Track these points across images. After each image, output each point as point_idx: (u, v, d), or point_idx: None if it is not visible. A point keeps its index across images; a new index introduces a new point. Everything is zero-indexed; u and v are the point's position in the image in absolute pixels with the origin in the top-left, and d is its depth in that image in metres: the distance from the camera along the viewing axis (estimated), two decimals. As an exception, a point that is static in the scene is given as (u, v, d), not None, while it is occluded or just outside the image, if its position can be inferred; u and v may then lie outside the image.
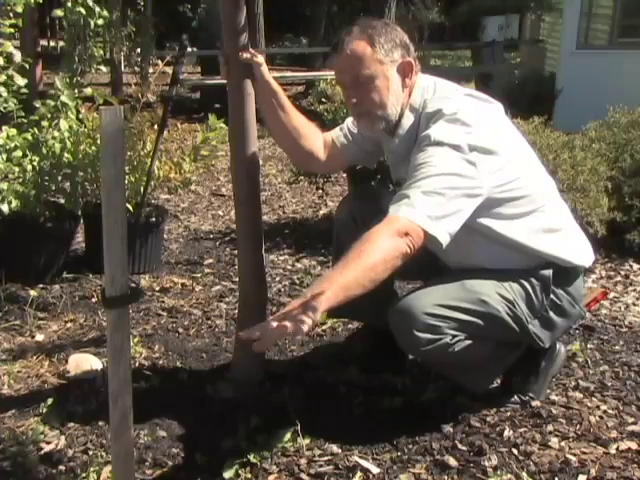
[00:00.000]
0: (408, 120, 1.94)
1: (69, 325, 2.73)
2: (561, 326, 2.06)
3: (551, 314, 2.00)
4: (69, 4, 3.02)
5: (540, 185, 2.00)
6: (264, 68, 2.02)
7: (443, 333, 1.82)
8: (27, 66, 3.16)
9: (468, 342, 1.86)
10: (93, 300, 2.97)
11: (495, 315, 1.89)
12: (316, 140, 2.18)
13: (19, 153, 3.08)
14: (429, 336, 1.81)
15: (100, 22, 3.09)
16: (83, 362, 2.34)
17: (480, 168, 1.79)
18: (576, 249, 2.04)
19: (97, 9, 3.07)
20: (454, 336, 1.84)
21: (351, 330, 2.61)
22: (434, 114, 1.87)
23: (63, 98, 3.08)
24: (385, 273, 1.65)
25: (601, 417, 2.03)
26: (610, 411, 2.07)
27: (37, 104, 3.14)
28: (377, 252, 1.63)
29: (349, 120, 2.22)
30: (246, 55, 1.96)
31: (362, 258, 1.61)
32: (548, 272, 1.97)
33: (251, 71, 2.00)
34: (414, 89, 1.95)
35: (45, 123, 3.13)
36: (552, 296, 1.99)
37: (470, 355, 1.88)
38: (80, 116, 3.27)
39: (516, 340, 2.00)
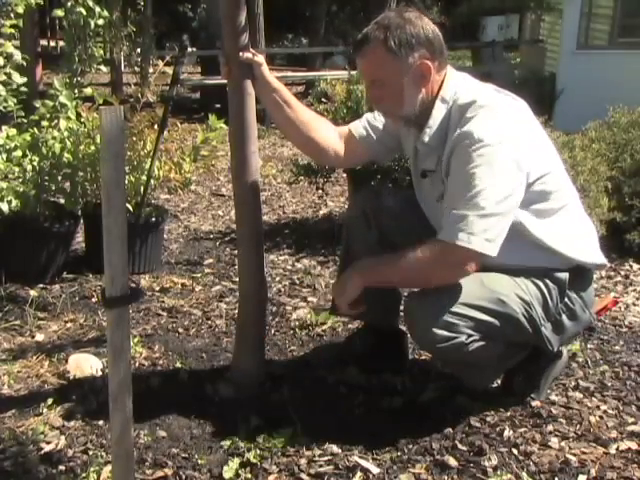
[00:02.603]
0: (439, 112, 1.91)
1: (69, 325, 2.73)
2: (571, 331, 2.05)
3: (563, 317, 2.00)
4: (69, 4, 3.02)
5: (566, 181, 2.02)
6: (264, 68, 2.01)
7: (460, 332, 1.82)
8: (25, 64, 3.15)
9: (482, 342, 1.86)
10: (93, 300, 2.97)
11: (512, 316, 1.88)
12: (329, 132, 2.16)
13: (19, 153, 3.08)
14: (446, 333, 1.81)
15: (100, 22, 3.09)
16: (83, 362, 2.34)
17: (522, 164, 1.80)
18: (595, 249, 2.04)
19: (97, 9, 3.06)
20: (469, 335, 1.83)
21: (351, 330, 2.61)
22: (468, 105, 1.85)
23: (61, 99, 3.08)
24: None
25: (601, 417, 2.03)
26: (610, 411, 2.07)
27: (37, 104, 3.14)
28: (432, 282, 1.85)
29: (369, 114, 2.21)
30: (246, 55, 1.96)
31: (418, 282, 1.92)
32: (564, 275, 1.97)
33: (251, 71, 2.00)
34: (446, 81, 1.92)
35: (45, 123, 3.12)
36: (566, 299, 1.99)
37: (481, 355, 1.88)
38: (81, 120, 3.26)
39: (526, 342, 2.00)
